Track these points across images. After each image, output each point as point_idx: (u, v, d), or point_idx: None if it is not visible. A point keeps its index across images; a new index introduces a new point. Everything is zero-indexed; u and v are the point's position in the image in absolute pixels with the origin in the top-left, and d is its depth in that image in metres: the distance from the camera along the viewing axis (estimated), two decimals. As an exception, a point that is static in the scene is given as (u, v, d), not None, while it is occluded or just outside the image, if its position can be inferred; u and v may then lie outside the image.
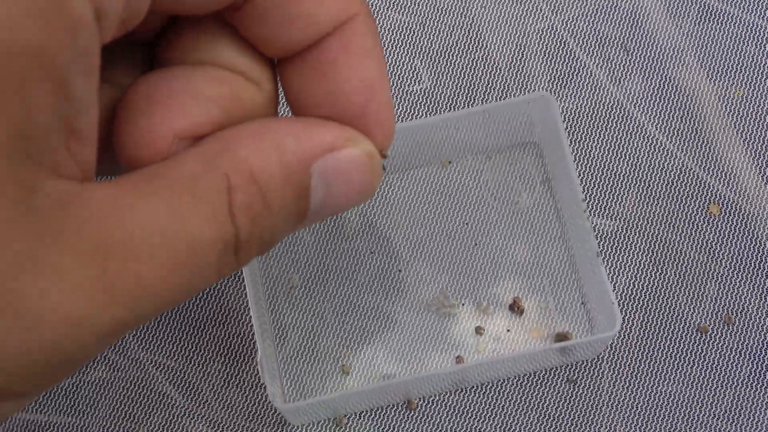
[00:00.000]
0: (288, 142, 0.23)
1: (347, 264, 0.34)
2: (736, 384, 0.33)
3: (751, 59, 0.37)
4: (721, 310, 0.34)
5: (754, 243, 0.34)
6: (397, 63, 0.37)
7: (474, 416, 0.33)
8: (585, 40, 0.37)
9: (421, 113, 0.36)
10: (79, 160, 0.21)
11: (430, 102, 0.36)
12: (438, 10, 0.37)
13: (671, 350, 0.33)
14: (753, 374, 0.33)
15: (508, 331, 0.33)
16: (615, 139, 0.36)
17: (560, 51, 0.37)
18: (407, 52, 0.37)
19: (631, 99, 0.36)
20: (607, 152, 0.36)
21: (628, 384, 0.33)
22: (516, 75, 0.37)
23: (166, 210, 0.21)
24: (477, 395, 0.33)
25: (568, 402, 0.33)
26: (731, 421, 0.33)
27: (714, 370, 0.33)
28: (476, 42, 0.37)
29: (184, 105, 0.23)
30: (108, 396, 0.33)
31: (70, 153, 0.20)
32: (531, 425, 0.33)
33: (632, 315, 0.34)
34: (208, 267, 0.22)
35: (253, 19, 0.24)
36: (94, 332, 0.20)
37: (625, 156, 0.36)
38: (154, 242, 0.21)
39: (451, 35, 0.37)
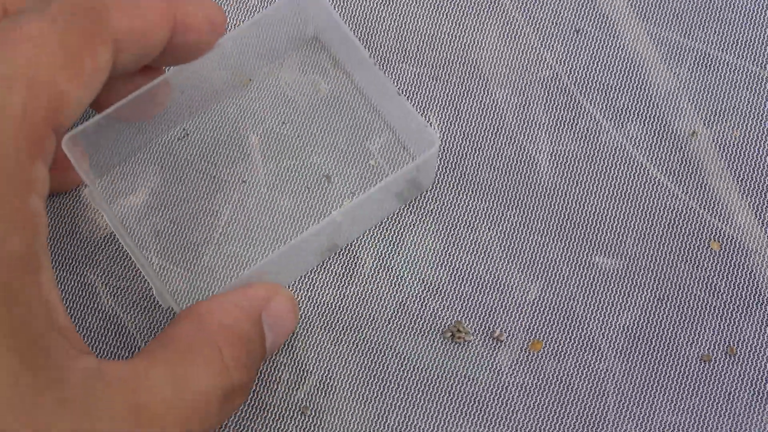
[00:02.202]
0: (244, 303, 0.30)
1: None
2: (738, 413, 0.34)
3: (745, 103, 0.37)
4: (723, 341, 0.34)
5: (753, 276, 0.35)
6: (410, 112, 0.38)
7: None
8: (587, 88, 0.38)
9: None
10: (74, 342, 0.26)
11: (441, 151, 0.37)
12: (448, 62, 0.38)
13: (675, 380, 0.34)
14: (755, 403, 0.34)
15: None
16: (618, 180, 0.36)
17: (564, 98, 0.38)
18: (419, 102, 0.38)
19: (632, 142, 0.37)
20: (610, 193, 0.36)
21: (633, 414, 0.34)
22: (522, 121, 0.37)
23: (175, 371, 0.26)
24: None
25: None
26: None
27: (716, 400, 0.34)
28: (484, 91, 0.38)
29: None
30: None
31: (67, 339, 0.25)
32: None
33: (637, 348, 0.34)
34: (214, 411, 0.27)
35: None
36: None
37: (628, 196, 0.36)
38: (168, 397, 0.26)
39: (460, 86, 0.38)
